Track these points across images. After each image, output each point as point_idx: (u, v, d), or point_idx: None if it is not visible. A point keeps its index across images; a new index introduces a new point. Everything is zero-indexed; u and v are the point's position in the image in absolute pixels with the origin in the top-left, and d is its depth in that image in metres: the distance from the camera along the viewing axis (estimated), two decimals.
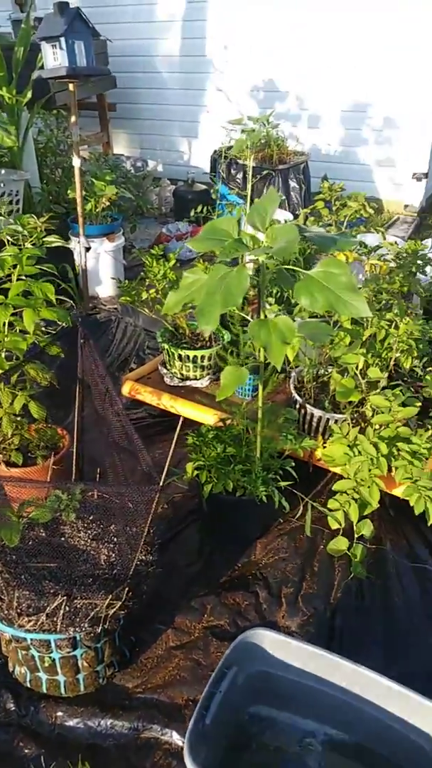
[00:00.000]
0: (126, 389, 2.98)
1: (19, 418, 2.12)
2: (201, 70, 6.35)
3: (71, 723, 1.77)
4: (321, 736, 1.74)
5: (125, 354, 3.73)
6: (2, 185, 3.90)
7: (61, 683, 1.75)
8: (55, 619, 1.59)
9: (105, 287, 4.26)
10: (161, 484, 1.47)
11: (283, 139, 5.37)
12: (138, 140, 7.09)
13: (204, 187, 5.69)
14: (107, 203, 3.94)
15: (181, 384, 2.93)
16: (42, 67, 3.26)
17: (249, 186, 3.10)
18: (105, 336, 3.87)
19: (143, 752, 1.72)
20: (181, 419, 1.68)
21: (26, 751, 1.71)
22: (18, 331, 2.05)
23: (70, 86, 3.31)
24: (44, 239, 2.05)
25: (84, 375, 1.96)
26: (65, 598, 1.62)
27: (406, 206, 6.09)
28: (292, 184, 5.18)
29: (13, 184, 3.98)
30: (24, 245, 2.03)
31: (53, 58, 3.03)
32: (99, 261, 4.11)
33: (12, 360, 2.09)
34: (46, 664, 1.68)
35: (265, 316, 1.68)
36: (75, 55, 3.00)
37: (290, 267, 1.68)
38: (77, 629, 1.59)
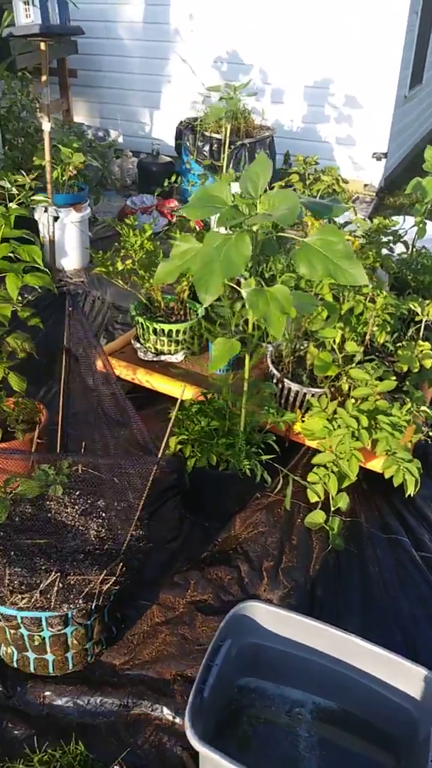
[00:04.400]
0: (99, 363, 2.91)
1: None
2: (164, 39, 6.18)
3: (60, 702, 1.73)
4: (309, 705, 1.76)
5: (94, 328, 3.64)
6: None
7: (49, 662, 1.71)
8: (48, 596, 1.54)
9: (70, 260, 4.13)
10: (159, 455, 1.43)
11: (249, 112, 5.30)
12: (98, 109, 6.86)
13: (168, 159, 5.57)
14: (74, 172, 3.80)
15: (155, 359, 2.88)
16: (9, 26, 3.08)
17: (225, 155, 3.03)
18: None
19: (134, 729, 1.70)
20: (182, 395, 1.64)
21: (16, 732, 1.67)
22: None
23: (42, 45, 3.14)
24: (32, 198, 1.92)
25: (70, 345, 1.89)
26: (59, 574, 1.57)
27: (365, 186, 6.11)
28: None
29: None
30: (9, 204, 1.90)
31: (25, 15, 2.84)
32: (65, 232, 3.97)
33: None
34: (36, 643, 1.63)
35: (261, 286, 1.65)
36: (48, 12, 2.83)
37: (285, 234, 1.65)
38: (71, 606, 1.55)
